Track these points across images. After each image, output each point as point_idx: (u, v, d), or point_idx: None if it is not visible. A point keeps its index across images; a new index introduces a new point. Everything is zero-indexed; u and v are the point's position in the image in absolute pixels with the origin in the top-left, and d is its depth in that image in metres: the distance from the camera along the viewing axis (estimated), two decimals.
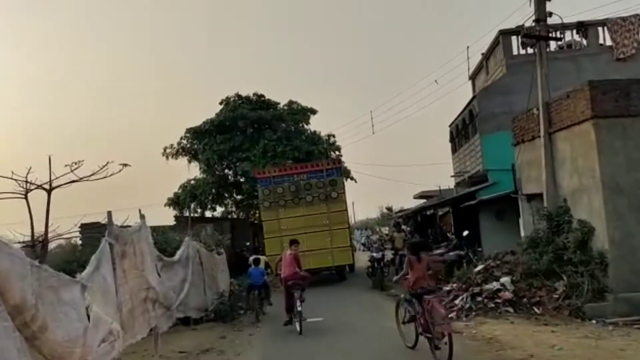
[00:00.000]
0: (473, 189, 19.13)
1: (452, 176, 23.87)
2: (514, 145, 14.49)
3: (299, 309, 11.13)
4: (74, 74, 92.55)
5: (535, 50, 12.89)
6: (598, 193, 10.65)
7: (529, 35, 12.78)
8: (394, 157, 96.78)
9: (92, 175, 13.07)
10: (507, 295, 10.99)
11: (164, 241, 13.39)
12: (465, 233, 16.25)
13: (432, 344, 7.92)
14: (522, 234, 14.03)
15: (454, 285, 12.55)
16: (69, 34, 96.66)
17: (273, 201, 19.61)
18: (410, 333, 8.70)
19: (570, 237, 11.18)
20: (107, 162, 12.73)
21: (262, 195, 19.97)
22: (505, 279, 11.46)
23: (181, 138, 29.26)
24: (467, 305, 11.17)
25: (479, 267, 12.58)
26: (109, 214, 7.83)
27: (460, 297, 11.55)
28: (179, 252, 11.37)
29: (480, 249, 16.63)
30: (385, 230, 40.87)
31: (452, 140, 24.60)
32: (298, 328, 11.12)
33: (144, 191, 67.71)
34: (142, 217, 9.50)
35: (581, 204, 11.34)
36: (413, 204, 32.85)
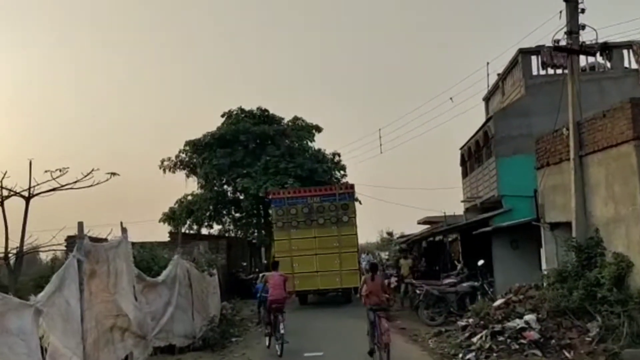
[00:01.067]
0: (486, 215, 17.94)
1: (462, 201, 22.63)
2: (537, 168, 13.36)
3: (282, 331, 11.43)
4: (72, 84, 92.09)
5: (556, 68, 11.97)
6: (638, 224, 9.49)
7: (560, 49, 11.72)
8: (397, 178, 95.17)
9: (75, 182, 11.98)
10: (533, 335, 9.70)
11: (151, 259, 12.21)
12: (481, 262, 14.98)
13: (380, 352, 9.65)
14: (544, 265, 12.85)
15: (470, 320, 11.29)
16: (67, 37, 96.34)
17: (286, 221, 19.89)
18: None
19: (604, 273, 9.97)
20: (92, 170, 11.63)
21: (275, 215, 20.28)
22: (530, 317, 10.19)
23: (180, 151, 28.31)
24: (487, 345, 9.88)
25: (499, 302, 11.31)
26: (80, 225, 6.68)
27: (479, 335, 10.27)
28: (165, 272, 10.16)
29: (492, 279, 15.44)
30: (384, 255, 39.48)
31: (462, 163, 23.45)
32: (279, 351, 11.32)
33: (143, 205, 66.43)
34: (124, 230, 8.42)
35: (617, 235, 10.17)
36: (415, 229, 31.56)
